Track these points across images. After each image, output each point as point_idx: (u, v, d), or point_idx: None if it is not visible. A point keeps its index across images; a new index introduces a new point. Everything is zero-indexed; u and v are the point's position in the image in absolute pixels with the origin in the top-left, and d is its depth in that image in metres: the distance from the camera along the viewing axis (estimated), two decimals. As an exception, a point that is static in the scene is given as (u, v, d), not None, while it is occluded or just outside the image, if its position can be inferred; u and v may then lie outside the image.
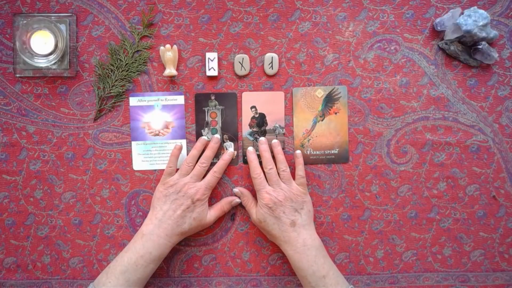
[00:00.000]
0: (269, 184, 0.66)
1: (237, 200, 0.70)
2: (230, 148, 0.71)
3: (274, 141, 0.69)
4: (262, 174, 0.67)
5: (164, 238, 0.64)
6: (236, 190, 0.70)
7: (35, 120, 0.71)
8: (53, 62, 0.68)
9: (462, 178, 0.72)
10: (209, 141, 0.70)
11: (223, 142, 0.72)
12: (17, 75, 0.70)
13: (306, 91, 0.72)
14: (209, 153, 0.69)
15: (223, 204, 0.69)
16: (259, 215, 0.66)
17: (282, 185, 0.66)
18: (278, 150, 0.69)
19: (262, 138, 0.70)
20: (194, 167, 0.68)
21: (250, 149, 0.69)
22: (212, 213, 0.68)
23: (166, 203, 0.65)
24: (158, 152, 0.71)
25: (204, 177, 0.68)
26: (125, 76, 0.71)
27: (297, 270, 0.64)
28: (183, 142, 0.72)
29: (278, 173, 0.67)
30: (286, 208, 0.64)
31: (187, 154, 0.69)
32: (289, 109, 0.72)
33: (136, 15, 0.71)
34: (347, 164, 0.72)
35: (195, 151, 0.68)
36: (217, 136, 0.70)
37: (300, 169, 0.68)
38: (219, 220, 0.71)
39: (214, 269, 0.71)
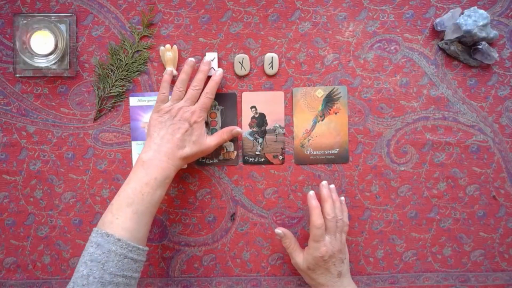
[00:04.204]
0: (326, 233, 0.64)
1: (238, 130, 0.68)
2: (219, 70, 0.68)
3: (332, 186, 0.68)
4: (324, 225, 0.63)
5: (167, 161, 0.61)
6: (278, 231, 0.67)
7: (35, 120, 0.71)
8: (53, 62, 0.68)
9: (462, 178, 0.72)
10: (199, 63, 0.68)
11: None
12: (17, 75, 0.70)
13: (306, 91, 0.72)
14: (200, 75, 0.66)
15: (223, 132, 0.68)
16: (309, 264, 0.64)
17: (337, 235, 0.64)
18: (336, 196, 0.67)
19: (324, 183, 0.67)
20: (185, 91, 0.66)
21: (312, 193, 0.65)
22: (212, 138, 0.67)
23: (162, 129, 0.63)
24: (158, 152, 0.71)
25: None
26: (125, 76, 0.71)
27: None
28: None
29: None
30: (337, 260, 0.63)
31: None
32: (289, 109, 0.72)
33: (136, 15, 0.71)
34: (347, 164, 0.72)
35: (184, 75, 0.66)
36: (208, 58, 0.68)
37: (346, 217, 0.67)
38: (219, 220, 0.71)
39: (214, 269, 0.71)
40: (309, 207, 0.64)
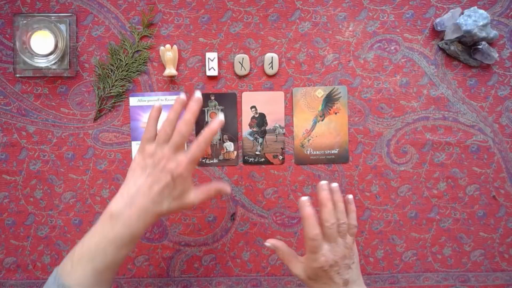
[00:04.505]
0: (325, 241, 0.56)
1: (228, 190, 0.58)
2: (221, 116, 0.56)
3: (335, 185, 0.59)
4: (320, 234, 0.55)
5: (137, 219, 0.53)
6: (268, 244, 0.60)
7: (35, 120, 0.71)
8: (53, 62, 0.68)
9: (462, 178, 0.72)
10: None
11: (223, 142, 0.72)
12: (17, 75, 0.70)
13: (306, 91, 0.72)
14: (188, 116, 0.55)
15: (211, 189, 0.58)
16: (309, 274, 0.57)
17: (339, 241, 0.56)
18: (338, 197, 0.58)
19: (323, 183, 0.58)
20: (171, 133, 0.56)
21: (304, 199, 0.57)
22: (197, 194, 0.56)
23: (141, 177, 0.54)
24: (158, 152, 0.71)
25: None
26: (125, 76, 0.71)
27: None
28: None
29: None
30: (341, 267, 0.56)
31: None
32: (289, 109, 0.72)
33: (136, 15, 0.71)
34: (347, 164, 0.72)
35: (172, 114, 0.56)
36: (199, 94, 0.56)
37: (353, 218, 0.59)
38: (219, 220, 0.71)
39: (214, 269, 0.71)
40: (302, 216, 0.56)
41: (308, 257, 0.56)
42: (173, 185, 0.54)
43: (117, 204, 0.54)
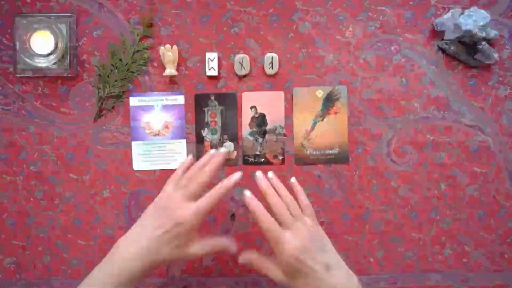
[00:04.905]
0: (284, 229, 0.54)
1: (234, 249, 0.59)
2: (238, 174, 0.58)
3: (269, 174, 0.58)
4: (275, 221, 0.54)
5: (136, 258, 0.53)
6: (241, 261, 0.58)
7: (35, 120, 0.71)
8: (53, 62, 0.68)
9: (462, 178, 0.72)
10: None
11: (223, 142, 0.72)
12: (17, 75, 0.70)
13: (306, 91, 0.72)
14: (209, 167, 0.58)
15: (216, 245, 0.58)
16: (287, 270, 0.53)
17: (299, 225, 0.54)
18: (278, 183, 0.58)
19: (259, 173, 0.58)
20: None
21: (248, 194, 0.56)
22: (202, 246, 0.56)
23: (149, 217, 0.56)
24: (158, 152, 0.71)
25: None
26: (125, 76, 0.71)
27: None
28: (183, 142, 0.72)
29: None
30: (313, 252, 0.52)
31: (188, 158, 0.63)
32: (289, 109, 0.72)
33: (136, 15, 0.71)
34: (347, 164, 0.72)
35: (199, 164, 0.60)
36: (224, 149, 0.60)
37: (303, 199, 0.57)
38: (219, 220, 0.71)
39: (214, 269, 0.71)
40: (251, 212, 0.55)
41: (276, 252, 0.54)
42: (175, 233, 0.54)
43: (125, 239, 0.56)
